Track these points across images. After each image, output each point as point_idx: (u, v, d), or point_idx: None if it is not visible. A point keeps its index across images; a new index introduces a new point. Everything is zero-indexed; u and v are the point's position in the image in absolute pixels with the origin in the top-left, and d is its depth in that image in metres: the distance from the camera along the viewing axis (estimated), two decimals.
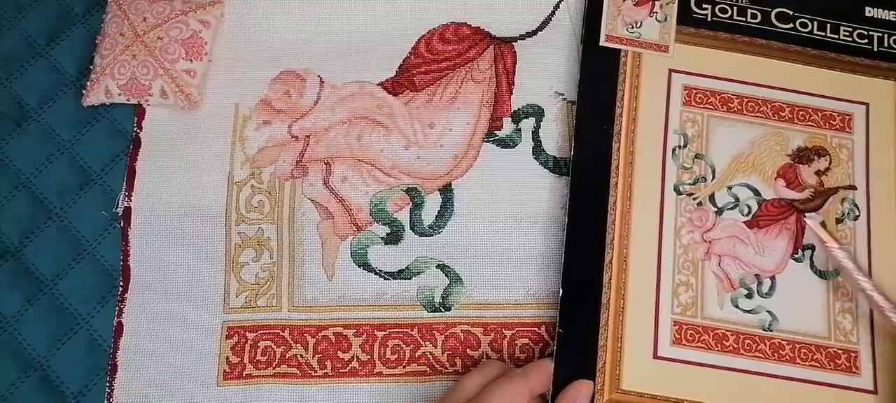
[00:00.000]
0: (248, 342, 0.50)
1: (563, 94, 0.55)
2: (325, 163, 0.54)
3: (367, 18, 0.57)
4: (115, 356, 0.50)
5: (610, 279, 0.49)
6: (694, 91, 0.54)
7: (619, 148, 0.52)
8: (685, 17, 0.55)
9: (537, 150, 0.54)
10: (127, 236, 0.52)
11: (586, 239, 0.50)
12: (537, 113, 0.55)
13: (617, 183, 0.51)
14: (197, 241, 0.52)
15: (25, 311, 0.51)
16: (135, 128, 0.55)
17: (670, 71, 0.54)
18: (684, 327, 0.49)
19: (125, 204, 0.53)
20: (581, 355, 0.47)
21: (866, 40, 0.55)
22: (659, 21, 0.55)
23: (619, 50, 0.54)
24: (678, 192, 0.52)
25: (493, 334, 0.51)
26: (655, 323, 0.49)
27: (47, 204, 0.53)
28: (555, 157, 0.54)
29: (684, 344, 0.48)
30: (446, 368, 0.50)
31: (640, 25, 0.55)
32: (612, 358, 0.48)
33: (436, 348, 0.50)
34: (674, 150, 0.52)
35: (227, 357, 0.50)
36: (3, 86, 0.56)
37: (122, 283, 0.52)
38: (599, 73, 0.54)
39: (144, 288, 0.52)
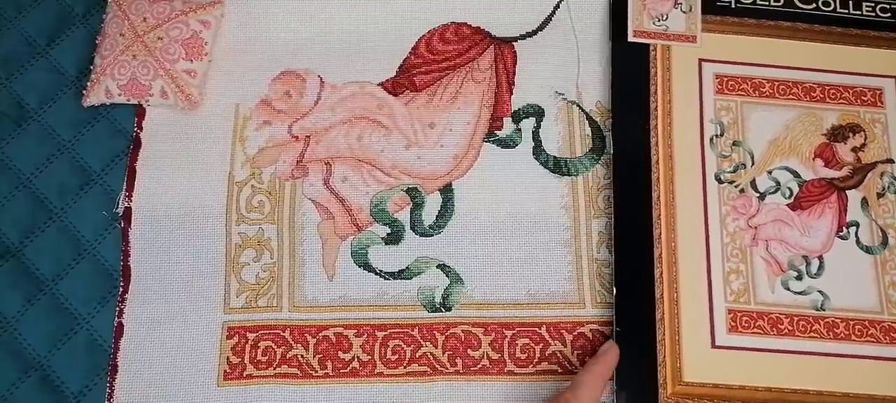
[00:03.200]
0: (249, 342, 0.50)
1: (563, 94, 0.55)
2: (326, 163, 0.54)
3: (367, 18, 0.57)
4: (116, 356, 0.50)
5: (661, 274, 0.50)
6: (725, 79, 0.54)
7: (657, 142, 0.52)
8: (710, 6, 0.55)
9: (537, 150, 0.54)
10: (127, 236, 0.52)
11: (634, 236, 0.50)
12: (537, 113, 0.55)
13: (658, 177, 0.51)
14: (197, 241, 0.52)
15: (26, 311, 0.51)
16: (135, 129, 0.55)
17: (700, 61, 0.54)
18: (739, 314, 0.49)
19: (125, 204, 0.53)
20: (640, 351, 0.48)
21: (889, 14, 0.55)
22: (684, 12, 0.55)
23: (648, 44, 0.54)
24: (719, 181, 0.52)
25: (493, 334, 0.51)
26: (710, 313, 0.49)
27: (47, 204, 0.53)
28: (555, 157, 0.54)
29: (741, 331, 0.49)
30: (447, 368, 0.50)
31: (667, 18, 0.55)
32: (672, 352, 0.48)
33: (436, 348, 0.50)
34: (711, 139, 0.53)
35: (228, 358, 0.50)
36: (3, 86, 0.56)
37: (122, 283, 0.52)
38: (630, 69, 0.54)
39: (144, 288, 0.52)
